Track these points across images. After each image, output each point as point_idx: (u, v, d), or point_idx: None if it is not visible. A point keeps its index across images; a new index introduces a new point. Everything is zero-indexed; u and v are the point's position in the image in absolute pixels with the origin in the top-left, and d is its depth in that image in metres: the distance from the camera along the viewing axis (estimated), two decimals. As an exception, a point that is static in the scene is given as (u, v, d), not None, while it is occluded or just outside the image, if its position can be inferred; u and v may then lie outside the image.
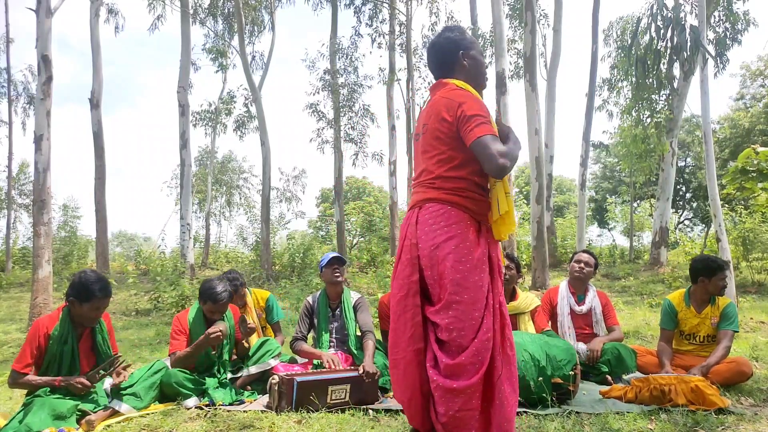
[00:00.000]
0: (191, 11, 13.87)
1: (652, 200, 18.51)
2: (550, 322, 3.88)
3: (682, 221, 26.45)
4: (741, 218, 10.78)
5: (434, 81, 2.19)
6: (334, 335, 3.66)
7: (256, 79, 14.49)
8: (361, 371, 3.00)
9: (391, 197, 14.71)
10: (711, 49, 12.11)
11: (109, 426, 2.65)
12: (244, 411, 2.85)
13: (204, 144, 26.89)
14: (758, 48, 38.53)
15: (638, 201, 20.42)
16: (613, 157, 22.86)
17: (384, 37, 15.30)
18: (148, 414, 2.82)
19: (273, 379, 2.92)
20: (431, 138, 2.04)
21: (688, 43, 6.40)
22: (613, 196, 24.06)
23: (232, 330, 3.38)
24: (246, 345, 3.44)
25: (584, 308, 3.81)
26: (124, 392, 2.82)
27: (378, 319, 3.91)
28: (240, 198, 25.70)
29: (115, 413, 2.76)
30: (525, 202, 19.70)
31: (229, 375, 3.32)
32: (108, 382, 2.92)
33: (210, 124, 19.28)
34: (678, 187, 23.58)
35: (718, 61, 12.86)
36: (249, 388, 3.28)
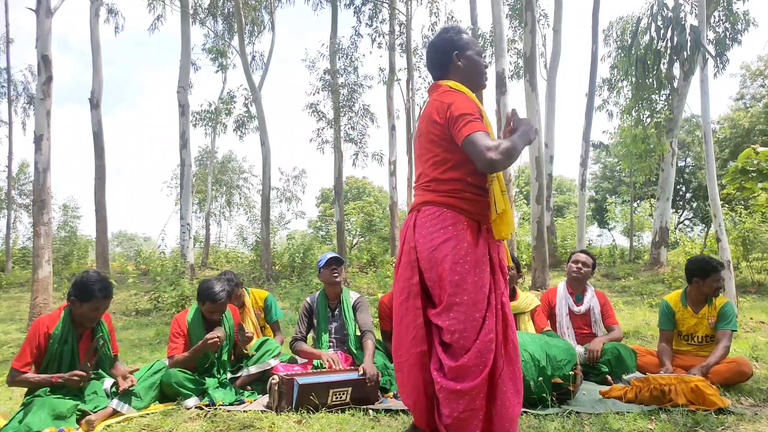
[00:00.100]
0: (191, 11, 13.88)
1: (652, 200, 18.51)
2: (549, 322, 3.88)
3: (682, 221, 26.46)
4: (741, 218, 10.78)
5: (433, 82, 2.20)
6: (333, 335, 3.66)
7: (256, 79, 14.50)
8: (361, 371, 3.00)
9: (391, 197, 14.71)
10: (711, 49, 12.11)
11: (109, 426, 2.65)
12: (244, 411, 2.85)
13: (204, 144, 26.94)
14: (758, 48, 38.55)
15: (638, 201, 20.43)
16: (613, 157, 22.86)
17: (384, 37, 15.30)
18: (148, 414, 2.82)
19: (273, 379, 2.92)
20: (425, 141, 2.06)
21: (688, 43, 6.39)
22: (613, 196, 24.07)
23: (231, 330, 3.38)
24: (245, 351, 3.43)
25: (583, 308, 3.82)
26: (124, 392, 2.82)
27: (378, 319, 3.91)
28: (240, 198, 25.72)
29: (115, 413, 2.76)
30: (525, 202, 19.71)
31: (229, 375, 3.32)
32: (108, 382, 2.92)
33: (210, 124, 19.29)
34: (678, 187, 23.59)
35: (718, 61, 12.87)
36: (249, 388, 3.28)
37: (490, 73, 9.41)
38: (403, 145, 29.10)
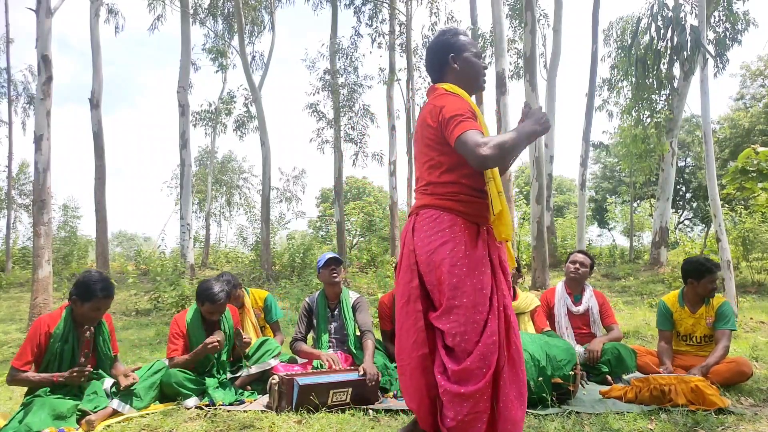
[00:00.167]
0: (191, 11, 13.87)
1: (652, 200, 18.52)
2: (548, 322, 3.88)
3: (682, 221, 26.46)
4: (741, 218, 10.78)
5: (431, 84, 2.21)
6: (333, 335, 3.66)
7: (256, 79, 14.49)
8: (361, 371, 3.00)
9: (391, 197, 14.71)
10: (711, 49, 12.11)
11: (109, 426, 2.66)
12: (244, 411, 2.85)
13: (204, 144, 26.96)
14: (758, 48, 38.55)
15: (638, 201, 20.43)
16: (613, 157, 22.86)
17: (384, 37, 15.30)
18: (148, 414, 2.82)
19: (273, 379, 2.92)
20: (421, 145, 2.07)
21: (688, 43, 6.39)
22: (613, 196, 24.08)
23: (231, 330, 3.38)
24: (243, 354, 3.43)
25: (581, 308, 3.82)
26: (124, 392, 2.83)
27: (378, 319, 3.91)
28: (240, 198, 25.72)
29: (115, 413, 2.76)
30: (525, 202, 19.69)
31: (229, 375, 3.32)
32: (108, 382, 2.92)
33: (210, 124, 19.29)
34: (678, 187, 23.59)
35: (718, 61, 12.87)
36: (249, 388, 3.28)
37: (490, 73, 9.41)
38: (403, 145, 29.16)
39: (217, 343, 3.11)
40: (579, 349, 3.56)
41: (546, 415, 2.68)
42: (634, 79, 9.27)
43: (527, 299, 4.00)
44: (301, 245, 13.33)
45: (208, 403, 2.96)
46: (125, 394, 2.83)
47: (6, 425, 2.52)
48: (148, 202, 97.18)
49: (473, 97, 2.20)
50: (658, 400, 2.81)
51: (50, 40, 7.41)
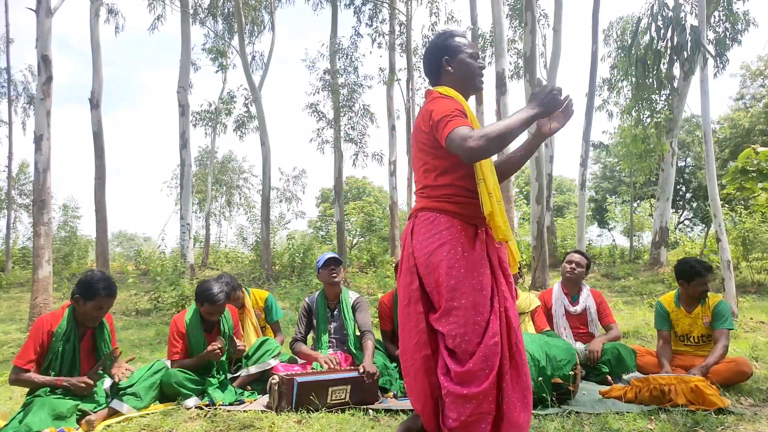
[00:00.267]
0: (191, 11, 13.87)
1: (652, 200, 18.52)
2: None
3: (682, 221, 26.46)
4: (741, 218, 10.79)
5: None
6: (332, 335, 3.66)
7: (256, 79, 14.49)
8: (361, 371, 3.00)
9: (391, 197, 14.71)
10: (711, 49, 12.11)
11: (109, 426, 2.66)
12: (244, 411, 2.85)
13: (204, 144, 26.95)
14: (758, 48, 38.54)
15: (638, 201, 20.43)
16: (613, 157, 22.87)
17: (384, 37, 15.29)
18: (148, 414, 2.82)
19: (273, 379, 2.93)
20: (416, 150, 2.09)
21: (688, 43, 6.39)
22: (613, 196, 24.08)
23: (231, 330, 3.38)
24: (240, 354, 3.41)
25: (578, 308, 3.83)
26: (124, 392, 2.83)
27: (378, 319, 3.91)
28: (240, 198, 25.72)
29: (115, 413, 2.77)
30: (525, 202, 19.70)
31: (229, 375, 3.32)
32: (108, 382, 2.92)
33: (210, 124, 19.28)
34: (678, 187, 23.59)
35: (718, 61, 12.87)
36: (249, 387, 3.28)
37: (490, 73, 9.42)
38: (403, 145, 29.10)
39: (218, 351, 3.13)
40: (580, 346, 3.56)
41: (546, 415, 2.68)
42: (634, 79, 9.28)
43: (527, 299, 4.00)
44: (301, 245, 13.34)
45: (208, 403, 2.96)
46: (125, 394, 2.83)
47: (6, 425, 2.52)
48: (148, 202, 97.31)
49: (473, 97, 2.20)
50: (658, 400, 2.81)
51: (50, 40, 7.42)
